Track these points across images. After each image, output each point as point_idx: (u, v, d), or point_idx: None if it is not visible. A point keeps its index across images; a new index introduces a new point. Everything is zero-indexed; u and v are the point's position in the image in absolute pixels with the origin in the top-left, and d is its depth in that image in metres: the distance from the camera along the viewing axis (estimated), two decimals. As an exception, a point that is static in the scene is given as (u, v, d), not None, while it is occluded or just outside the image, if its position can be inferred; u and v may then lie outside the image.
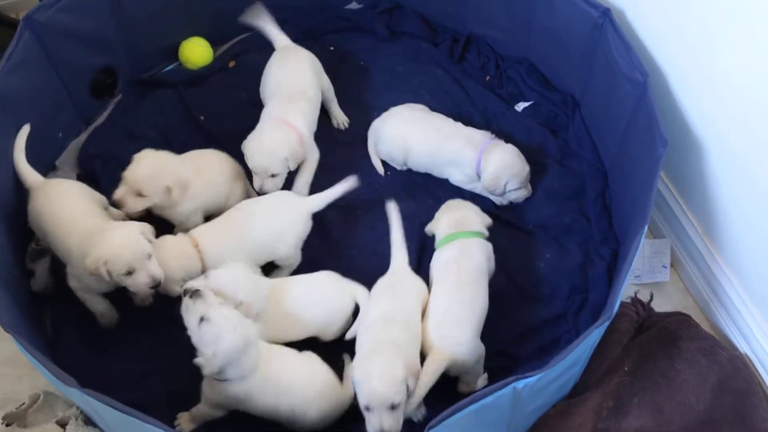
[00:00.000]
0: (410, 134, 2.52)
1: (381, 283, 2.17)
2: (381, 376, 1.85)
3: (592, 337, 1.84)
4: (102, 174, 2.53)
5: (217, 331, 1.85)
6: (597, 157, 2.62)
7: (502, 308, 2.26)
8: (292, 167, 2.38)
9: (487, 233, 2.28)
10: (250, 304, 2.03)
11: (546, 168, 2.60)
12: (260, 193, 2.35)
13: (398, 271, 2.19)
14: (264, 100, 2.56)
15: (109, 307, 2.23)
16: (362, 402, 1.87)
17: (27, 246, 2.35)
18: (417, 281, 2.18)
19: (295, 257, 2.32)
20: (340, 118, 2.72)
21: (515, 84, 2.81)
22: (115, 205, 2.20)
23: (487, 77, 2.86)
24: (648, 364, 2.12)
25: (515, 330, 2.27)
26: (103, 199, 2.31)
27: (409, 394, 1.88)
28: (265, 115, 2.46)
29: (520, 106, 2.77)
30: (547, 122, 2.72)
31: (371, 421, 1.85)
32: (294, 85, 2.50)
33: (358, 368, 1.91)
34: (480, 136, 2.50)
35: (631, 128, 2.34)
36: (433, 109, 2.65)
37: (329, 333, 2.18)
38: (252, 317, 1.98)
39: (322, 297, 2.16)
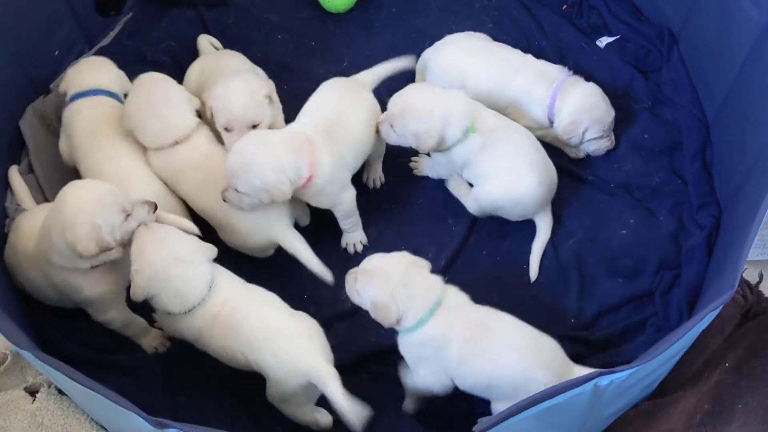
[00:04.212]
0: (468, 66, 2.22)
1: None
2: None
3: (704, 322, 1.52)
4: (103, 101, 2.34)
5: (141, 243, 1.72)
6: (698, 104, 2.34)
7: (574, 284, 2.07)
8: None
9: None
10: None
11: (633, 116, 2.33)
12: None
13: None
14: None
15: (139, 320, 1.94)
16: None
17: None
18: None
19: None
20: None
21: (598, 14, 2.55)
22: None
23: (564, 6, 2.59)
24: (757, 361, 1.86)
25: (589, 310, 2.05)
26: None
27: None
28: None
29: (603, 41, 2.51)
30: (635, 61, 2.45)
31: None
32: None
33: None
34: (555, 71, 2.24)
35: (750, 66, 2.03)
36: (496, 39, 2.38)
37: None
38: None
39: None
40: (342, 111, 2.00)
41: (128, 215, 1.75)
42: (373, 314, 1.69)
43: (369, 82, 2.14)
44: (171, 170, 2.01)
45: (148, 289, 1.69)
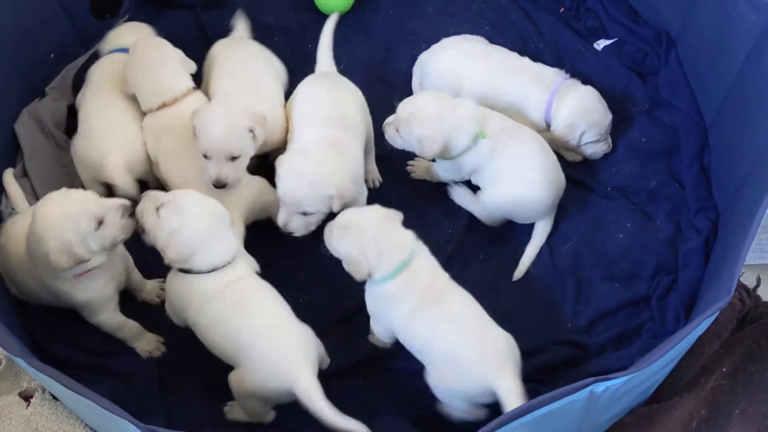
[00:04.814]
0: (465, 69, 2.23)
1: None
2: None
3: (701, 328, 1.52)
4: (98, 104, 2.32)
5: (178, 206, 1.72)
6: (695, 107, 2.34)
7: (570, 288, 2.06)
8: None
9: None
10: None
11: (630, 119, 2.34)
12: (218, 187, 1.90)
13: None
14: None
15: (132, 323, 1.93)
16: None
17: None
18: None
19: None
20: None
21: (596, 16, 2.56)
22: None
23: (561, 8, 2.60)
24: (754, 367, 1.86)
25: (586, 315, 2.04)
26: None
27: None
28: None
29: (601, 44, 2.51)
30: (633, 63, 2.45)
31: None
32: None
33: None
34: (552, 74, 2.24)
35: (748, 69, 2.03)
36: (493, 42, 2.40)
37: None
38: None
39: None
40: (337, 105, 2.01)
41: (101, 222, 1.71)
42: (346, 267, 1.75)
43: (332, 68, 2.16)
44: (153, 135, 2.01)
45: (191, 244, 1.69)
